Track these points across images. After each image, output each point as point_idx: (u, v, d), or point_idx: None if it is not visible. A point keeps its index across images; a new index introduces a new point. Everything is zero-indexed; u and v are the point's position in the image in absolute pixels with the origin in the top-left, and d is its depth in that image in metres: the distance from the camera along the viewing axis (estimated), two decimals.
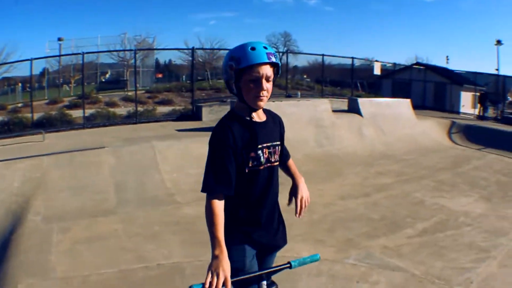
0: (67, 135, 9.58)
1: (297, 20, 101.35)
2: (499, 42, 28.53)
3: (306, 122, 9.61)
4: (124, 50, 22.35)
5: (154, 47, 29.37)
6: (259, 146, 1.83)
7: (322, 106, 10.42)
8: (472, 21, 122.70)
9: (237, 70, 1.72)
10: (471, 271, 4.25)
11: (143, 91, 17.65)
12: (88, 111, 11.91)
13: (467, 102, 23.53)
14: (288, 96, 15.59)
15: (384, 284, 3.80)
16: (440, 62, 60.41)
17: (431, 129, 13.41)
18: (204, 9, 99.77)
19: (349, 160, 9.06)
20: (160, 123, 11.07)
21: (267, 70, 1.72)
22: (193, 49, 14.69)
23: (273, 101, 9.49)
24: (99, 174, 6.00)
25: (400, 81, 22.13)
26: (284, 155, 2.08)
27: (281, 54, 22.55)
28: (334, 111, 11.34)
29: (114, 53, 23.81)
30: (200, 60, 29.55)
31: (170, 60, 34.25)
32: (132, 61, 25.22)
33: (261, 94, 1.74)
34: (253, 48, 1.70)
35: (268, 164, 1.87)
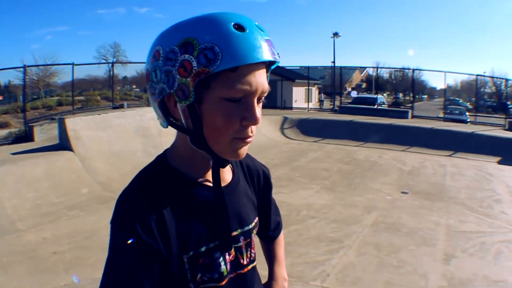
0: None
1: (128, 29, 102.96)
2: (336, 35, 31.59)
3: (133, 132, 9.28)
4: None
5: None
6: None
7: (148, 115, 10.04)
8: (309, 17, 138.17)
9: (207, 76, 0.77)
10: (325, 263, 4.28)
11: None
12: None
13: (300, 96, 25.57)
14: (115, 108, 15.95)
15: None
16: None
17: (262, 127, 13.86)
18: (38, 25, 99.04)
19: None
20: None
21: (263, 79, 0.85)
22: (24, 67, 14.29)
23: (99, 114, 9.48)
24: None
25: None
26: (269, 229, 1.26)
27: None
28: None
29: None
30: (35, 78, 30.90)
31: (9, 81, 34.91)
32: None
33: (249, 132, 0.89)
34: (241, 27, 0.79)
35: (237, 272, 0.97)
